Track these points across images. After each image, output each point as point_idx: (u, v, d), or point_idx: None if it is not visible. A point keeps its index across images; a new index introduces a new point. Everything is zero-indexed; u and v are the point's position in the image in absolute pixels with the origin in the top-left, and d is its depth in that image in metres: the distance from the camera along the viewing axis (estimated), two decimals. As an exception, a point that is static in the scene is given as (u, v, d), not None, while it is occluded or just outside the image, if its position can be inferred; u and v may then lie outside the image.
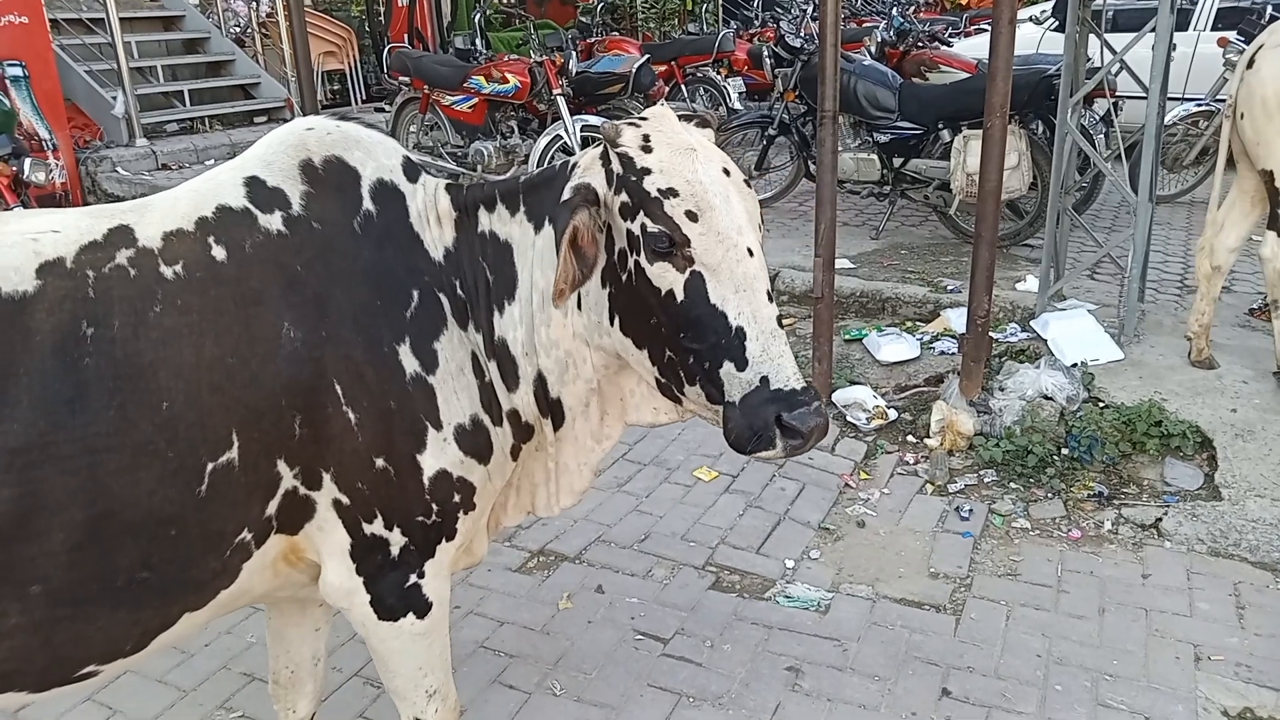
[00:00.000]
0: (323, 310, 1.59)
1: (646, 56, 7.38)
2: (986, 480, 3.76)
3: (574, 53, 7.22)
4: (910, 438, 4.08)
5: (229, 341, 1.52)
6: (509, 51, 9.91)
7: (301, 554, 1.72)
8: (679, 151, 1.61)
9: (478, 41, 7.61)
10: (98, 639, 1.50)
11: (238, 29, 11.46)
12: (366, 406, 1.61)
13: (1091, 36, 4.58)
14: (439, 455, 1.68)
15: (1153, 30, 3.96)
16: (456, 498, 1.74)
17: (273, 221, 1.61)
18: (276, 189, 1.64)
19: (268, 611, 2.12)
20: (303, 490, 1.62)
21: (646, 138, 1.62)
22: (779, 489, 3.76)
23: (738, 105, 8.32)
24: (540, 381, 1.81)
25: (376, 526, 1.69)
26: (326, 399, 1.58)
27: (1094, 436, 3.76)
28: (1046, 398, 3.97)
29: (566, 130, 6.59)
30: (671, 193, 1.57)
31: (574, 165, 1.74)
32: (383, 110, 11.09)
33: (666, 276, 1.59)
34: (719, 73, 8.56)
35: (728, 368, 1.58)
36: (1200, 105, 6.73)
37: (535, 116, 7.22)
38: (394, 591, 1.75)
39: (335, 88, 12.02)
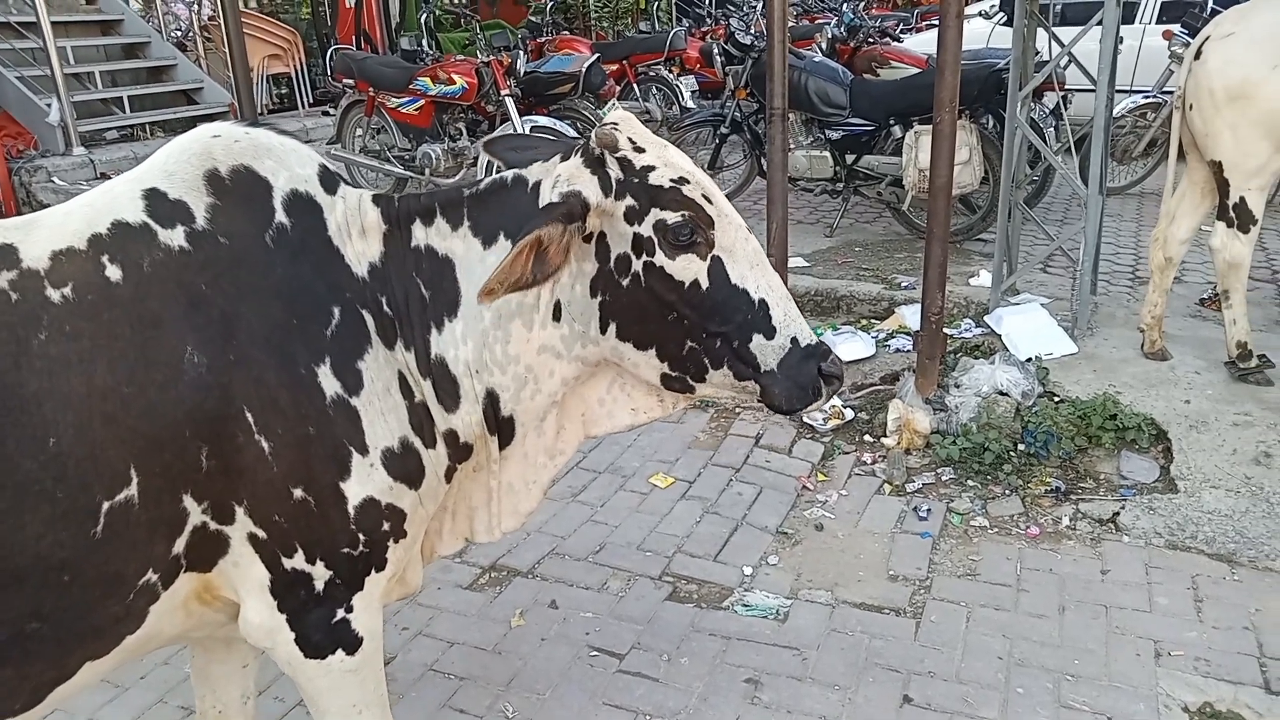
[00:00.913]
0: (231, 331, 1.48)
1: (597, 56, 7.28)
2: (944, 479, 3.72)
3: (522, 53, 7.11)
4: (867, 437, 4.04)
5: (124, 369, 1.41)
6: (458, 52, 9.78)
7: (217, 592, 1.61)
8: (662, 146, 1.66)
9: (424, 42, 7.46)
10: None
11: (179, 33, 11.21)
12: (282, 434, 1.51)
13: (1040, 30, 4.57)
14: (365, 482, 1.59)
15: (1099, 23, 3.95)
16: (386, 526, 1.64)
17: (174, 237, 1.50)
18: (179, 202, 1.53)
19: (192, 649, 2.00)
20: (213, 525, 1.52)
21: (632, 140, 1.63)
22: (736, 493, 3.70)
23: (690, 104, 8.27)
24: (492, 399, 1.73)
25: (297, 561, 1.58)
26: (236, 427, 1.48)
27: (1050, 431, 3.74)
28: (1002, 393, 3.94)
29: (516, 131, 6.48)
30: (683, 180, 1.62)
31: (533, 180, 1.68)
32: (329, 114, 10.90)
33: (691, 267, 1.63)
34: (671, 71, 8.50)
35: (758, 340, 1.67)
36: (1148, 97, 6.79)
37: (484, 118, 7.09)
38: (320, 628, 1.65)
39: (283, 91, 11.79)
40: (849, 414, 4.15)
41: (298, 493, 1.53)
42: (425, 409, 1.69)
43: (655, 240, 1.62)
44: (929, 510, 3.52)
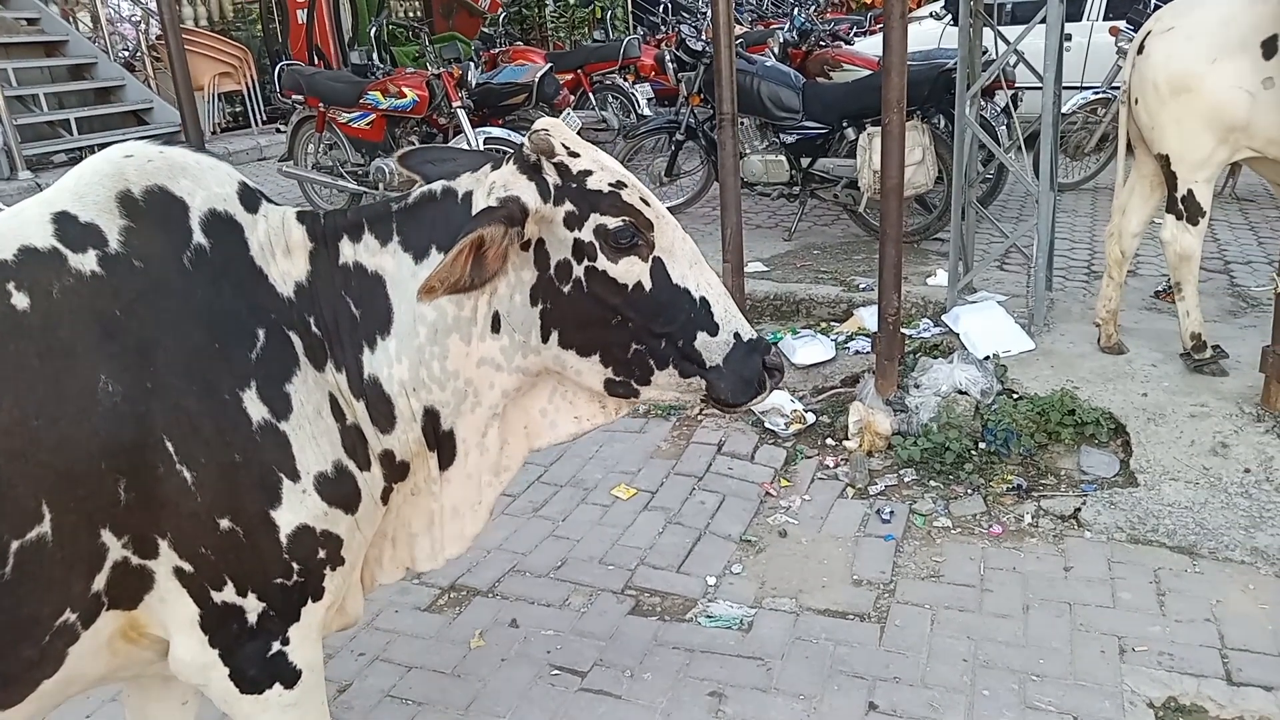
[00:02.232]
0: (147, 359, 1.42)
1: (550, 65, 7.25)
2: (906, 480, 3.71)
3: (473, 64, 7.05)
4: (830, 440, 4.01)
5: (32, 401, 1.33)
6: (410, 65, 9.69)
7: (144, 629, 1.54)
8: (595, 150, 1.66)
9: (375, 56, 7.38)
10: None
11: (126, 53, 11.04)
12: (205, 462, 1.44)
13: (987, 29, 4.59)
14: (297, 509, 1.53)
15: (1043, 21, 3.98)
16: (321, 553, 1.57)
17: (86, 262, 1.42)
18: (90, 225, 1.45)
19: (127, 688, 1.92)
20: (135, 560, 1.44)
21: (565, 145, 1.62)
22: (699, 503, 3.65)
23: (647, 111, 8.26)
24: (431, 416, 1.69)
25: (227, 594, 1.51)
26: (156, 457, 1.41)
27: (1009, 429, 3.73)
28: (961, 392, 3.94)
29: (469, 143, 6.41)
30: (621, 184, 1.62)
31: (463, 190, 1.64)
32: (283, 131, 10.76)
33: (633, 270, 1.63)
34: (626, 79, 8.48)
35: (702, 338, 1.68)
36: (1098, 93, 6.87)
37: (438, 130, 7.02)
38: (255, 662, 1.58)
39: (235, 109, 11.64)
40: (810, 418, 4.13)
41: (224, 523, 1.47)
42: (358, 431, 1.63)
43: (596, 245, 1.61)
44: (892, 512, 3.50)
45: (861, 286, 5.28)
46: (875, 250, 5.96)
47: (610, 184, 1.61)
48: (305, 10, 11.19)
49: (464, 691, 2.71)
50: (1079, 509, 3.37)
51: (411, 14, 13.63)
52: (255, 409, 1.49)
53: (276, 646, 1.58)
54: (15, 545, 1.32)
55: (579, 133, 7.05)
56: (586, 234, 1.61)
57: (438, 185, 1.68)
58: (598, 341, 1.67)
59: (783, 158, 6.13)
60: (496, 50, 9.32)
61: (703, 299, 1.67)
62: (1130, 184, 3.97)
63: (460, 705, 2.66)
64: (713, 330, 1.68)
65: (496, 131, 6.42)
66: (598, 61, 8.71)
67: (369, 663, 2.86)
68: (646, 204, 1.64)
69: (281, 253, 1.60)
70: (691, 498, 3.69)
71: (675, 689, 2.68)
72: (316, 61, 10.77)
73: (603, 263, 1.61)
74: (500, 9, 13.68)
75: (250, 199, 1.61)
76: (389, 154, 6.72)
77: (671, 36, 10.79)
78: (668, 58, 6.89)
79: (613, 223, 1.60)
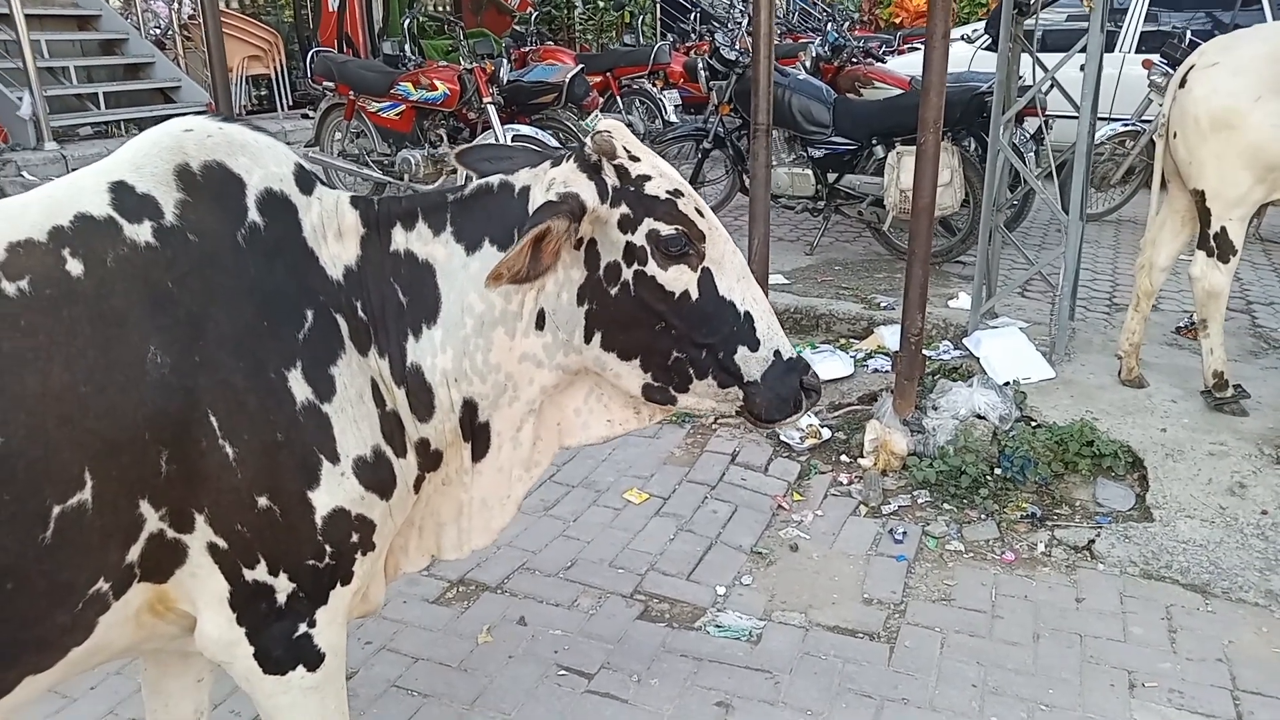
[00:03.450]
0: (198, 332, 1.42)
1: (581, 66, 7.26)
2: (920, 501, 3.69)
3: (505, 61, 7.06)
4: (844, 457, 4.00)
5: (83, 368, 1.33)
6: (441, 59, 9.71)
7: (171, 603, 1.54)
8: (655, 156, 1.67)
9: (407, 48, 7.40)
10: None
11: (158, 30, 11.08)
12: (248, 439, 1.44)
13: (1024, 55, 4.59)
14: (335, 491, 1.53)
15: (1083, 50, 3.97)
16: (354, 537, 1.57)
17: (141, 232, 1.43)
18: (147, 196, 1.46)
19: (144, 661, 1.92)
20: (171, 533, 1.44)
21: (627, 148, 1.63)
22: (711, 511, 3.65)
23: (673, 118, 8.27)
24: (469, 407, 1.70)
25: (259, 572, 1.51)
26: (199, 432, 1.41)
27: (1026, 456, 3.72)
28: (979, 417, 3.92)
29: (497, 139, 6.42)
30: (678, 193, 1.63)
31: (520, 185, 1.66)
32: (309, 117, 10.80)
33: (682, 278, 1.64)
34: (655, 85, 8.49)
35: (742, 352, 1.70)
36: (1127, 125, 6.85)
37: (465, 125, 7.04)
38: (281, 643, 1.58)
39: (262, 93, 11.68)
40: (826, 433, 4.12)
41: (262, 501, 1.47)
42: (397, 417, 1.63)
43: (648, 250, 1.62)
44: (904, 533, 3.48)
45: (882, 305, 5.27)
46: (896, 269, 5.99)
47: (668, 191, 1.62)
48: (337, -2, 11.23)
49: (470, 686, 2.71)
50: (1093, 541, 3.35)
51: (441, 8, 13.67)
52: (300, 389, 1.49)
53: (303, 628, 1.58)
54: (57, 510, 1.31)
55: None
56: (639, 238, 1.62)
57: (495, 179, 1.69)
58: (640, 346, 1.69)
59: (810, 171, 6.13)
60: (527, 49, 9.34)
61: (747, 314, 1.69)
62: (1161, 218, 3.96)
63: (466, 700, 2.66)
64: (754, 345, 1.70)
65: (525, 129, 6.43)
66: (627, 65, 8.73)
67: (375, 651, 2.85)
68: (701, 215, 1.65)
69: (333, 236, 1.61)
70: (704, 506, 3.68)
71: (682, 697, 2.67)
72: (345, 49, 10.82)
73: (652, 268, 1.63)
74: (530, 8, 13.73)
75: (305, 180, 1.61)
76: (416, 145, 6.74)
77: (701, 45, 10.82)
78: (700, 65, 6.90)
79: (666, 230, 1.61)
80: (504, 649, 2.87)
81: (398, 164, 6.77)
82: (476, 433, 1.73)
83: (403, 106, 6.80)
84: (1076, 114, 4.13)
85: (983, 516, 3.57)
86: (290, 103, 11.32)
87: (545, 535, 3.47)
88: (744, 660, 2.82)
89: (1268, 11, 7.77)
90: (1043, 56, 4.67)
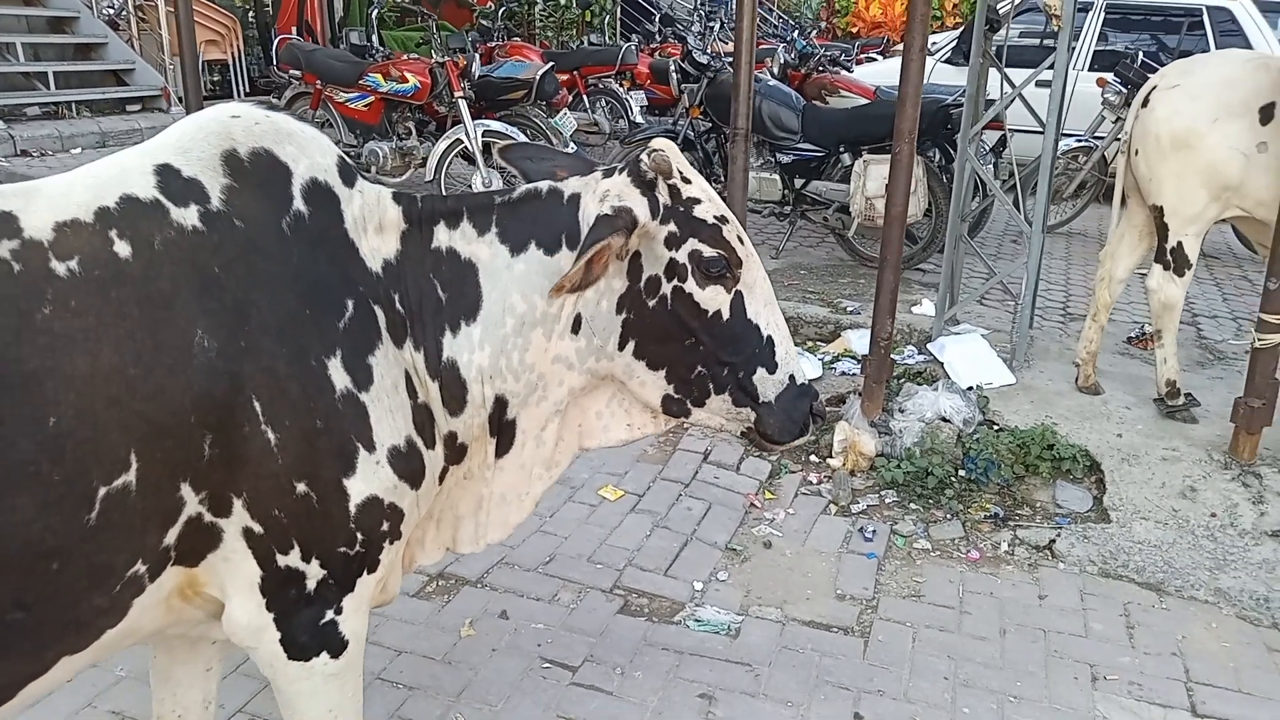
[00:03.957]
0: (243, 317, 1.43)
1: (551, 65, 7.27)
2: (888, 501, 3.80)
3: (476, 56, 7.04)
4: (813, 457, 4.09)
5: (131, 349, 1.33)
6: (401, 50, 9.63)
7: (200, 588, 1.54)
8: (703, 181, 1.75)
9: (374, 38, 7.33)
10: None
11: (111, 10, 10.79)
12: (289, 425, 1.46)
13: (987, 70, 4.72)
14: (370, 479, 1.55)
15: (1050, 67, 4.11)
16: (385, 526, 1.60)
17: (188, 216, 1.43)
18: (193, 180, 1.46)
19: (155, 649, 1.91)
20: (208, 517, 1.45)
21: (680, 170, 1.70)
22: (686, 508, 3.71)
23: (639, 118, 8.32)
24: (500, 404, 1.74)
25: (292, 558, 1.53)
26: (243, 416, 1.42)
27: (990, 459, 3.85)
28: (944, 420, 4.05)
29: (467, 134, 6.41)
30: (724, 220, 1.71)
31: (569, 192, 1.72)
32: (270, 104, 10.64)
33: (717, 298, 1.72)
34: (621, 85, 8.52)
35: (761, 373, 1.78)
36: (1080, 141, 7.08)
37: (433, 119, 7.00)
38: (307, 629, 1.60)
39: (216, 79, 11.46)
40: (796, 434, 4.20)
41: (300, 487, 1.49)
42: (428, 410, 1.66)
43: (689, 268, 1.70)
44: (874, 531, 3.58)
45: (848, 309, 5.38)
46: (860, 274, 6.12)
47: (715, 216, 1.70)
48: (298, -15, 11.06)
49: (455, 679, 2.73)
50: (1054, 540, 3.48)
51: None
52: (339, 377, 1.51)
53: (329, 615, 1.60)
54: (103, 492, 1.32)
55: (574, 134, 7.05)
56: (682, 256, 1.69)
57: (543, 185, 1.74)
58: (668, 358, 1.76)
59: (777, 176, 6.22)
60: (493, 44, 9.31)
61: (769, 338, 1.77)
62: (1120, 232, 4.12)
63: (452, 692, 2.68)
64: (772, 368, 1.78)
65: (495, 125, 6.43)
66: (595, 65, 8.76)
67: (358, 644, 2.85)
68: (741, 242, 1.73)
69: (374, 229, 1.63)
70: (678, 503, 3.74)
71: (666, 689, 2.73)
72: (305, 37, 10.66)
73: (691, 285, 1.70)
74: (492, 3, 13.66)
75: (348, 173, 1.63)
76: (384, 137, 6.69)
77: (666, 46, 10.90)
78: (672, 69, 6.95)
79: (709, 251, 1.68)
80: (487, 642, 2.89)
81: (364, 155, 6.72)
82: (503, 429, 1.77)
83: (371, 98, 6.74)
84: (1034, 128, 4.27)
85: (948, 516, 3.68)
86: (247, 89, 11.12)
87: (523, 530, 3.45)
88: (724, 653, 2.89)
89: (1210, 36, 8.10)
90: (1009, 71, 4.81)
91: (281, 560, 1.52)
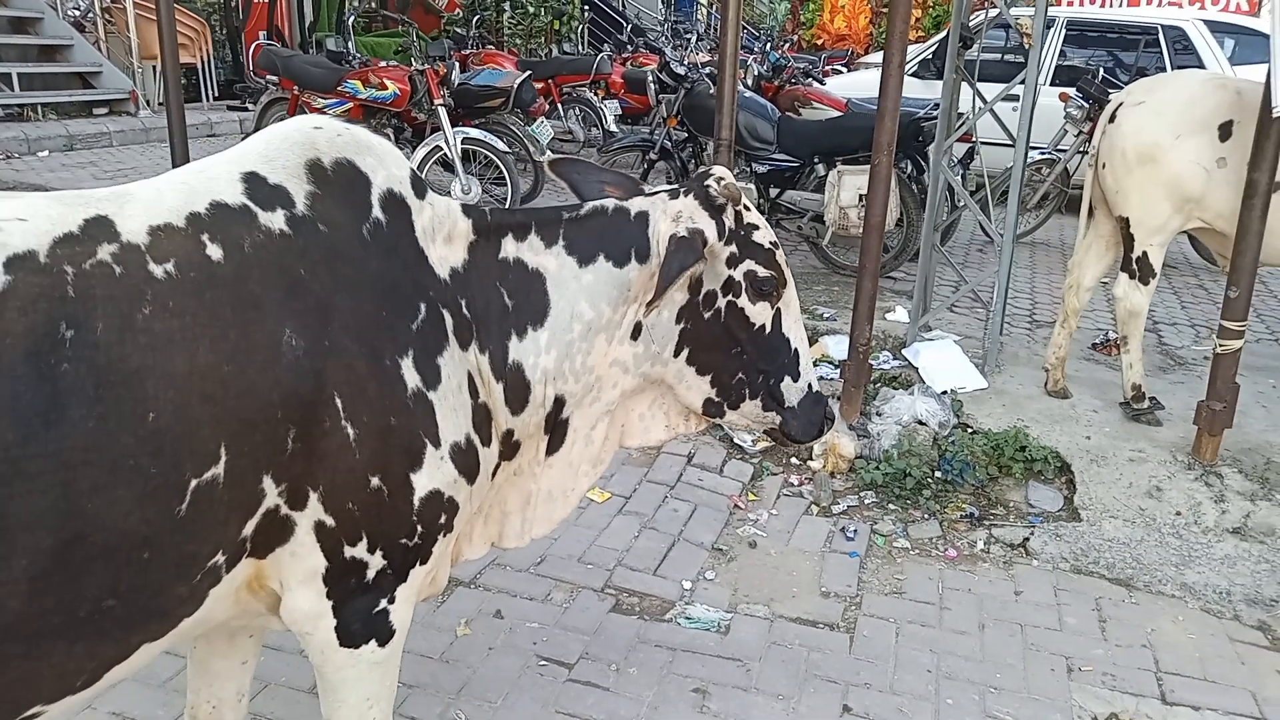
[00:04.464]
0: (326, 319, 1.50)
1: (529, 73, 7.34)
2: (867, 501, 3.91)
3: (456, 64, 7.09)
4: (794, 460, 4.19)
5: (225, 348, 1.40)
6: (371, 56, 9.63)
7: (264, 581, 1.61)
8: (755, 209, 1.94)
9: (350, 45, 7.36)
10: (49, 676, 1.35)
11: (77, 12, 10.66)
12: (367, 422, 1.53)
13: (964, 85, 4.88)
14: (434, 474, 1.63)
15: (1021, 83, 4.27)
16: (442, 519, 1.68)
17: (275, 221, 1.51)
18: (279, 187, 1.54)
19: (194, 642, 1.96)
20: (285, 510, 1.52)
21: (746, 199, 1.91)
22: (672, 510, 3.79)
23: (613, 127, 8.41)
24: (558, 404, 1.86)
25: (359, 549, 1.60)
26: (325, 413, 1.49)
27: (965, 460, 3.97)
28: (920, 423, 4.17)
29: (447, 141, 6.45)
30: (776, 245, 1.92)
31: (635, 210, 1.85)
32: (235, 109, 10.57)
33: (763, 314, 1.92)
34: (596, 94, 8.61)
35: (787, 381, 2.00)
36: (1043, 154, 7.29)
37: (411, 126, 7.03)
38: (361, 617, 1.67)
39: (184, 83, 11.35)
40: (777, 437, 4.30)
41: (374, 481, 1.56)
42: (486, 409, 1.75)
43: (743, 285, 1.88)
44: (855, 531, 3.69)
45: (824, 316, 5.51)
46: (834, 282, 6.25)
47: (770, 242, 1.91)
48: (268, -11, 11.02)
49: (454, 677, 2.78)
50: (1027, 539, 3.61)
51: (367, 4, 13.51)
52: (411, 376, 1.59)
53: (383, 604, 1.67)
54: (194, 484, 1.37)
55: (550, 141, 7.11)
56: (738, 274, 1.87)
57: (608, 203, 1.88)
58: (715, 364, 1.94)
59: (752, 186, 6.34)
60: (467, 52, 9.35)
61: (796, 350, 1.99)
62: (1088, 242, 4.28)
63: (451, 690, 2.73)
64: (796, 377, 2.01)
65: (474, 133, 6.48)
66: (570, 74, 8.84)
67: (355, 644, 2.89)
68: (785, 267, 1.95)
69: (443, 239, 1.72)
70: (665, 505, 3.82)
71: (661, 684, 2.80)
72: (274, 40, 10.61)
73: (743, 301, 1.89)
74: (458, 9, 13.69)
75: (419, 186, 1.72)
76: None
77: (637, 56, 11.01)
78: (650, 79, 7.06)
79: (763, 272, 1.88)
80: (483, 641, 2.95)
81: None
82: (556, 427, 1.89)
83: (350, 104, 6.76)
84: (1000, 141, 4.42)
85: (926, 516, 3.80)
86: (216, 93, 11.05)
87: (514, 532, 3.54)
88: (716, 649, 2.97)
89: (1166, 54, 8.38)
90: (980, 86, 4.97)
91: (349, 552, 1.59)
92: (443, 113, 6.43)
